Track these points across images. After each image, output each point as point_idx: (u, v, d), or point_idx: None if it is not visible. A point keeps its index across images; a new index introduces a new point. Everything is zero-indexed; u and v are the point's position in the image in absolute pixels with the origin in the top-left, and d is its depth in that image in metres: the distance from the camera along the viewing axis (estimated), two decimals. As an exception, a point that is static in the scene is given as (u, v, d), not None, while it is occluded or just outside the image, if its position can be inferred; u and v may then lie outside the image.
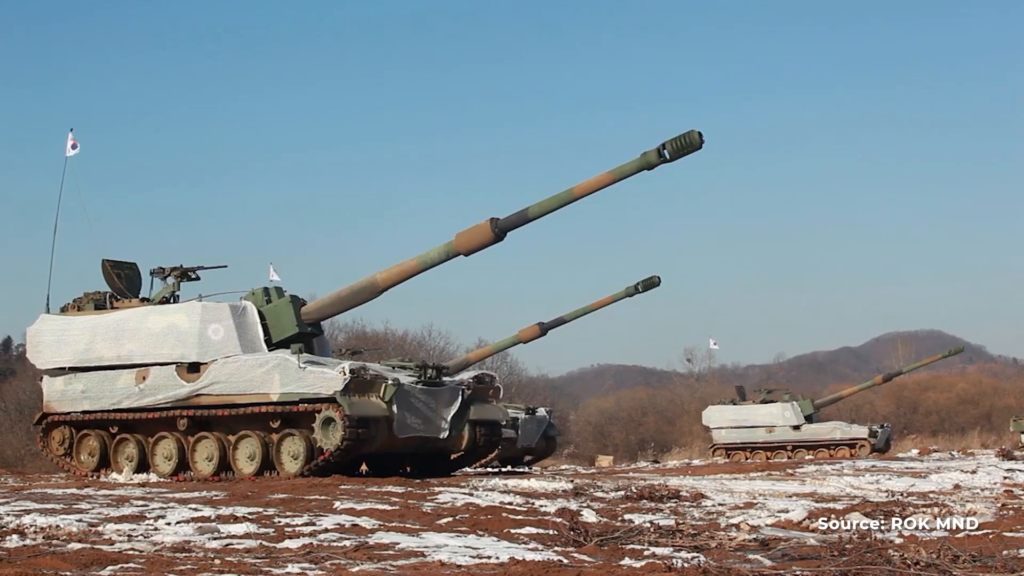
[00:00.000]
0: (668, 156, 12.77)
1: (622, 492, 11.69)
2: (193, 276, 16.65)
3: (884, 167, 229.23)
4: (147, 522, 7.90)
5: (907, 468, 17.83)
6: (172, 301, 16.17)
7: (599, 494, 11.55)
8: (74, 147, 17.46)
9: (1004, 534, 7.72)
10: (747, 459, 33.30)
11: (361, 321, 47.41)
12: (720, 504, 10.62)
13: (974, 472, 15.57)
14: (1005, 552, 6.53)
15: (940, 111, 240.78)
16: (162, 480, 14.77)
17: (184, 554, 6.33)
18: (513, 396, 36.50)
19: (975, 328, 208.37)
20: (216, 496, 10.56)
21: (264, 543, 6.83)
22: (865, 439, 34.88)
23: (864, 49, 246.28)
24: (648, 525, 8.13)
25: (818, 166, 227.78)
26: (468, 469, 17.76)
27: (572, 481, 13.34)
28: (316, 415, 13.92)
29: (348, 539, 7.02)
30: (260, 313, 15.32)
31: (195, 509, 8.74)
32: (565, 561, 6.11)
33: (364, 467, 16.61)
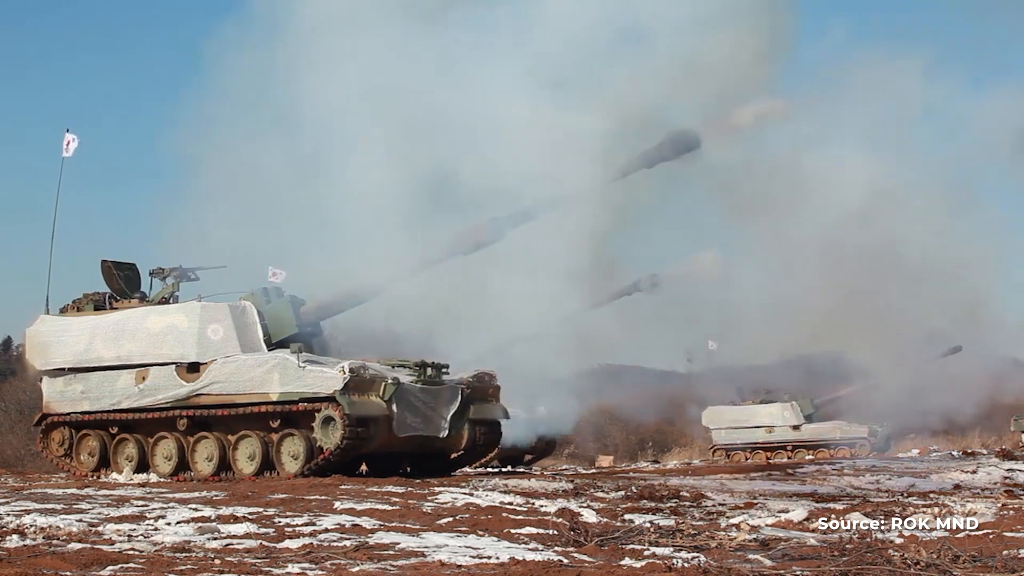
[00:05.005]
0: (668, 154, 12.78)
1: (622, 492, 11.68)
2: (192, 276, 16.63)
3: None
4: (147, 522, 7.90)
5: (907, 468, 17.82)
6: (171, 301, 16.15)
7: (599, 494, 11.55)
8: (68, 145, 17.31)
9: (1004, 534, 7.71)
10: (747, 459, 33.28)
11: (361, 321, 47.21)
12: (720, 504, 10.62)
13: (974, 472, 15.56)
14: (1005, 552, 6.52)
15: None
16: (162, 480, 14.76)
17: (184, 554, 6.32)
18: (513, 396, 36.38)
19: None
20: (216, 496, 10.56)
21: (264, 543, 6.82)
22: (865, 439, 34.86)
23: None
24: (648, 525, 8.13)
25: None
26: (468, 469, 17.74)
27: (572, 481, 13.33)
28: (316, 414, 13.91)
29: (348, 539, 7.01)
30: (259, 313, 15.31)
31: (195, 509, 8.73)
32: (565, 561, 6.11)
33: (364, 467, 16.59)
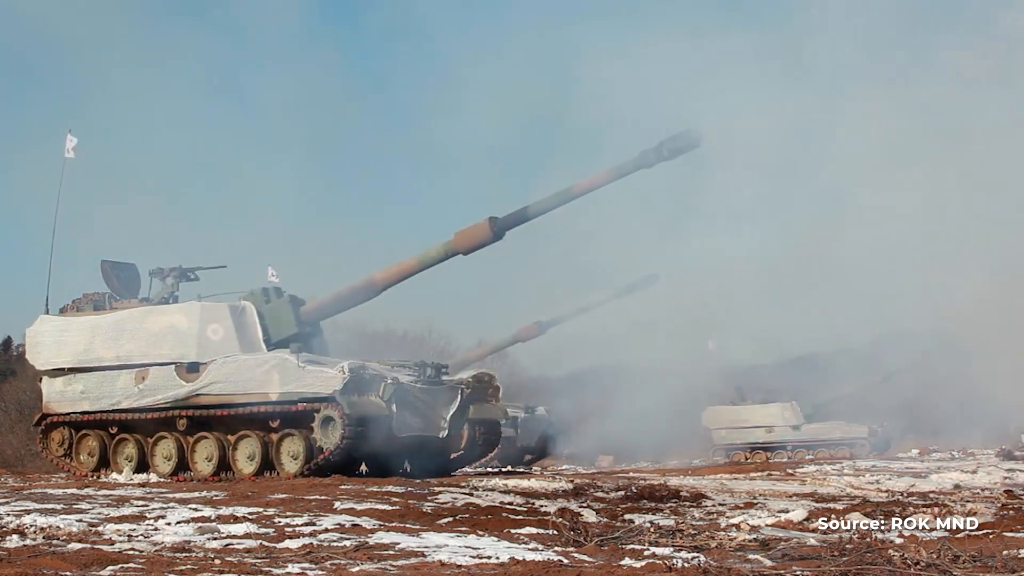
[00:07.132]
0: (667, 154, 12.80)
1: (622, 492, 11.68)
2: (192, 276, 16.62)
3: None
4: (147, 522, 7.89)
5: (907, 468, 17.83)
6: (171, 301, 16.15)
7: (599, 494, 11.55)
8: (72, 150, 17.28)
9: (1004, 534, 7.72)
10: (747, 459, 33.28)
11: (361, 321, 47.23)
12: (720, 504, 10.62)
13: (974, 472, 15.57)
14: (1005, 552, 6.52)
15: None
16: (162, 480, 14.75)
17: (184, 554, 6.32)
18: (513, 396, 36.43)
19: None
20: (216, 496, 10.55)
21: (264, 543, 6.82)
22: (865, 439, 34.87)
23: (866, 48, 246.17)
24: (648, 525, 8.13)
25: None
26: (468, 469, 17.74)
27: (572, 481, 13.34)
28: (315, 414, 13.91)
29: (348, 539, 7.01)
30: (259, 313, 15.31)
31: (195, 509, 8.73)
32: (565, 561, 6.11)
33: (364, 467, 16.59)
